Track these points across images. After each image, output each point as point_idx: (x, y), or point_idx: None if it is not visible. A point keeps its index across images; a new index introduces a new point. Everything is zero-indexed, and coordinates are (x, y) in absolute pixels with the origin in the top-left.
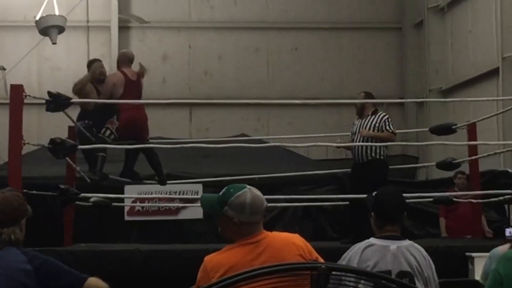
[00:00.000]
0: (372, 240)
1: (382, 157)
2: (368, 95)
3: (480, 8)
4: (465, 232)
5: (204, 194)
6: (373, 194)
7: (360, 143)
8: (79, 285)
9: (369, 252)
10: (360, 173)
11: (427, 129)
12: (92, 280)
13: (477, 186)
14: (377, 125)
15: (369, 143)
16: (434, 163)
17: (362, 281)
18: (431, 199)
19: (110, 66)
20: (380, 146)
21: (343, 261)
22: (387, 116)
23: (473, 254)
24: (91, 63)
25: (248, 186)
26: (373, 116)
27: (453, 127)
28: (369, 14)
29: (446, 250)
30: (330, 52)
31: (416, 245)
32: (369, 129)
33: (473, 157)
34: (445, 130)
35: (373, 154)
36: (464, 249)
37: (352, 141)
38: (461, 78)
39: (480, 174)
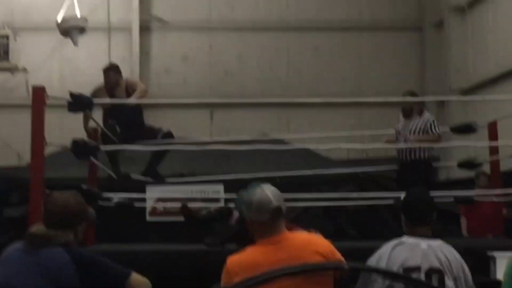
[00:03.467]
0: (404, 238)
1: (427, 158)
2: (413, 95)
3: (501, 7)
4: (486, 231)
5: (241, 192)
6: (402, 196)
7: (406, 145)
8: (124, 280)
9: (400, 249)
10: (406, 173)
11: (447, 128)
12: (136, 275)
13: (499, 186)
14: (422, 127)
15: (415, 144)
16: (456, 163)
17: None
18: (452, 200)
19: (131, 68)
20: (425, 147)
21: (374, 259)
22: (432, 118)
23: (495, 254)
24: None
25: (263, 186)
26: (418, 117)
27: (474, 126)
28: (389, 13)
29: (468, 249)
30: (350, 52)
31: (448, 245)
32: (414, 131)
33: (495, 157)
34: (466, 129)
35: (418, 155)
36: (486, 248)
37: (396, 140)
38: (482, 77)
39: (501, 174)
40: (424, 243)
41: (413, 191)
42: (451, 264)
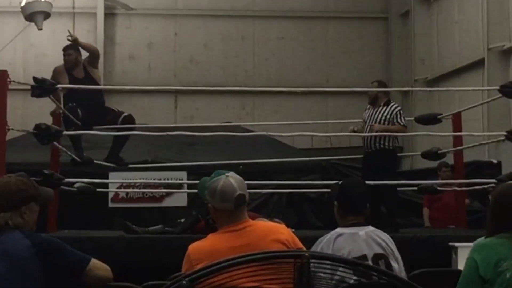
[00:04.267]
0: (339, 230)
1: (391, 147)
2: (381, 85)
3: None
4: (448, 222)
5: (203, 178)
6: (338, 183)
7: (371, 133)
8: (83, 266)
9: (341, 240)
10: (370, 162)
11: (412, 118)
12: (95, 261)
13: (461, 177)
14: (388, 116)
15: (380, 133)
16: (419, 153)
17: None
18: (415, 188)
19: None
20: (390, 136)
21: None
22: (399, 108)
23: (456, 244)
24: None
25: (227, 173)
26: (385, 107)
27: (438, 116)
28: (355, 3)
29: (430, 240)
30: (316, 41)
31: (378, 230)
32: (380, 120)
33: (458, 148)
34: (430, 119)
35: (383, 144)
36: (448, 239)
37: (363, 128)
38: (446, 68)
39: (464, 164)
40: (361, 231)
41: (350, 180)
42: (391, 247)
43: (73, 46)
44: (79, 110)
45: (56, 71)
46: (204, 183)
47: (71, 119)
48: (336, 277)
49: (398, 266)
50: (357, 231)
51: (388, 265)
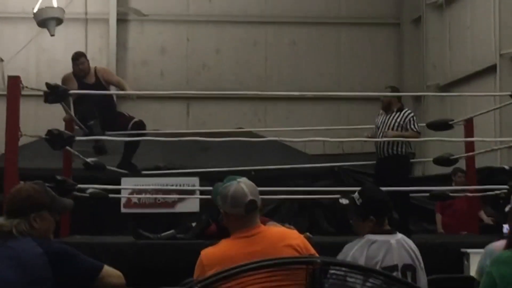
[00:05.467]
0: (370, 236)
1: (404, 153)
2: (395, 91)
3: (478, 4)
4: (461, 228)
5: (216, 183)
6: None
7: (384, 139)
8: (96, 273)
9: (375, 248)
10: (383, 168)
11: (424, 124)
12: (108, 268)
13: (474, 183)
14: (401, 123)
15: (394, 138)
16: (431, 159)
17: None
18: (427, 194)
19: (108, 59)
20: (403, 142)
21: (345, 258)
22: (412, 114)
23: (469, 250)
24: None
25: (239, 179)
26: (398, 113)
27: (450, 122)
28: (367, 9)
29: (442, 246)
30: (328, 46)
31: (405, 237)
32: (394, 126)
33: (470, 154)
34: (442, 125)
35: (396, 150)
36: (460, 245)
37: (376, 134)
38: (458, 74)
39: (476, 170)
40: (392, 239)
41: (370, 186)
42: (417, 256)
43: (83, 54)
44: (92, 119)
45: (65, 79)
46: (216, 189)
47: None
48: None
49: (423, 274)
50: (388, 239)
51: (414, 278)
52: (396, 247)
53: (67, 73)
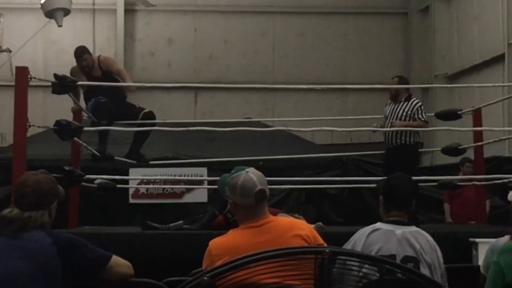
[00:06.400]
0: (378, 224)
1: (412, 143)
2: (402, 80)
3: None
4: (469, 218)
5: (223, 175)
6: (384, 179)
7: (393, 128)
8: (104, 263)
9: (375, 236)
10: (392, 157)
11: (432, 114)
12: (116, 258)
13: (482, 172)
14: (409, 112)
15: (401, 128)
16: (439, 149)
17: (366, 265)
18: (435, 184)
19: (116, 50)
20: (411, 132)
21: (348, 245)
22: (420, 104)
23: (477, 240)
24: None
25: (247, 169)
26: (406, 103)
27: (458, 112)
28: None
29: (450, 235)
30: (335, 37)
31: (423, 231)
32: (401, 116)
33: (478, 143)
34: (451, 115)
35: (404, 140)
36: (468, 235)
37: (384, 124)
38: (466, 64)
39: (484, 160)
40: (399, 230)
41: (396, 175)
42: (426, 251)
43: (85, 50)
44: (110, 104)
45: (73, 71)
46: (224, 180)
47: (104, 113)
48: (360, 274)
49: (428, 272)
50: (395, 229)
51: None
52: (400, 238)
53: (75, 65)
